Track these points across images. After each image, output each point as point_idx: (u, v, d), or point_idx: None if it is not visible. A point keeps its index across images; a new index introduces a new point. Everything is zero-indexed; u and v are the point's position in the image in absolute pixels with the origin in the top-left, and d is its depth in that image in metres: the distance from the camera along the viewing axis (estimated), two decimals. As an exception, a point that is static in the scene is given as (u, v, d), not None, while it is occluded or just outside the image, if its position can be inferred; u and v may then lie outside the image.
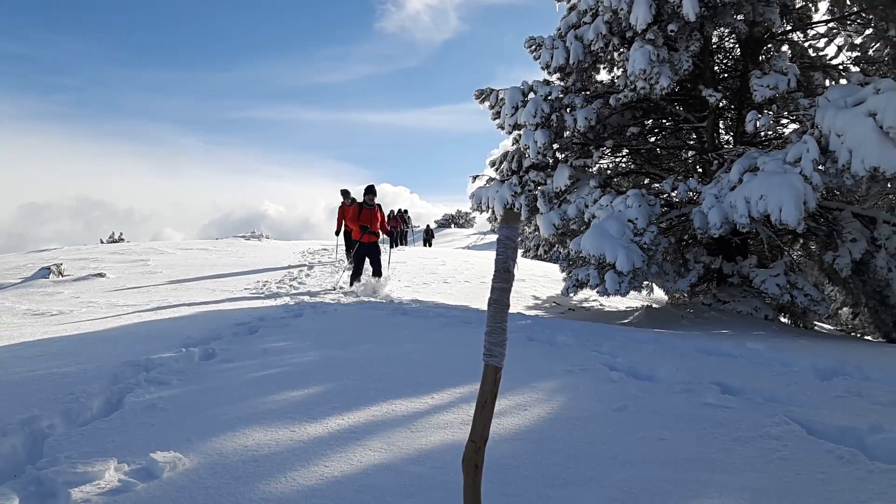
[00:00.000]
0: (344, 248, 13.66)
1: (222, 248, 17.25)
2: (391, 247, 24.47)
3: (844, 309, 14.22)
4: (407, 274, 12.84)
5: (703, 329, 8.50)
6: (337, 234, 13.56)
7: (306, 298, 8.44)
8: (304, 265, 13.63)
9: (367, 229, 10.58)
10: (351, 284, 10.41)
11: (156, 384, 3.65)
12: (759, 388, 3.51)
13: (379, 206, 11.09)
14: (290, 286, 10.05)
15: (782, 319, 10.26)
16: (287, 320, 6.24)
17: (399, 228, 26.88)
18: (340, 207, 13.40)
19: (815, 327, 11.77)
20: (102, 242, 29.58)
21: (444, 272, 13.97)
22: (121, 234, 38.13)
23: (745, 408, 3.13)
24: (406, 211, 29.57)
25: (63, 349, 4.88)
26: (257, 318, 6.24)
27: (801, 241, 11.29)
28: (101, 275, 11.08)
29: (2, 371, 4.03)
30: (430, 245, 32.25)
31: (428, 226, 34.37)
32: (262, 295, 8.84)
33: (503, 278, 1.24)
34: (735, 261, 10.24)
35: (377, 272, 10.58)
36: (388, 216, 25.70)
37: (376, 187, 11.19)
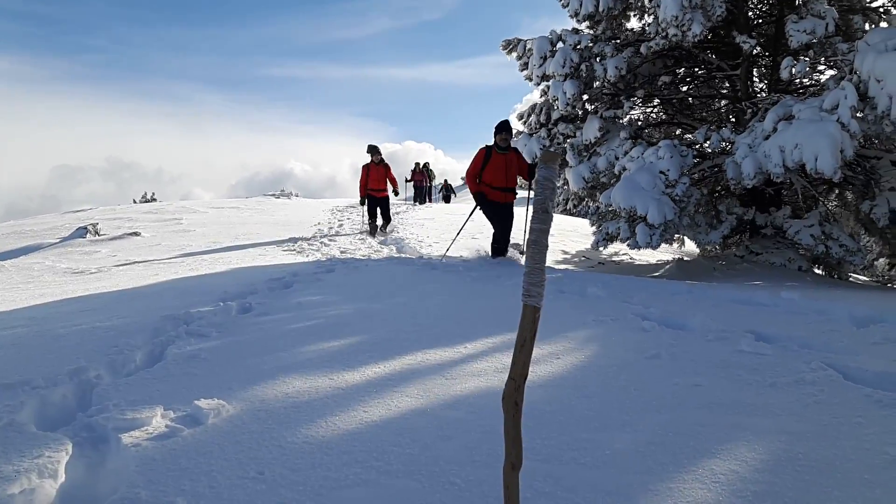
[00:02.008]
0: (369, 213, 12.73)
1: (253, 207, 17.42)
2: (419, 202, 24.13)
3: (881, 260, 13.94)
4: (435, 230, 12.86)
5: (735, 281, 8.42)
6: (362, 202, 12.45)
7: (337, 254, 8.53)
8: (334, 222, 13.73)
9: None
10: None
11: (196, 336, 3.75)
12: (794, 335, 3.49)
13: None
14: (322, 243, 10.15)
15: (816, 271, 10.10)
16: (320, 275, 6.32)
17: (424, 184, 26.03)
18: (365, 167, 12.43)
19: (850, 278, 11.57)
20: (135, 202, 30.07)
21: (472, 228, 13.95)
22: (153, 194, 38.72)
23: (781, 355, 3.12)
24: (428, 164, 27.99)
25: (104, 305, 5.02)
26: (291, 274, 6.33)
27: (837, 190, 11.03)
28: (136, 233, 11.31)
29: (48, 326, 4.17)
30: (449, 201, 30.46)
31: (446, 180, 32.16)
32: (295, 251, 8.95)
33: (541, 219, 1.24)
34: (768, 212, 10.06)
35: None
36: (413, 171, 25.52)
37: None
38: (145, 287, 5.92)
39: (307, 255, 8.39)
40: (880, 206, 8.78)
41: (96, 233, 11.42)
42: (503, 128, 7.87)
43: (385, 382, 2.87)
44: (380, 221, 12.36)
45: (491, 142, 7.91)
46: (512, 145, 8.10)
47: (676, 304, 4.58)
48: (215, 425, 2.43)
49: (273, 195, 23.77)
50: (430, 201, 26.87)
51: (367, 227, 12.46)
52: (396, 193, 13.25)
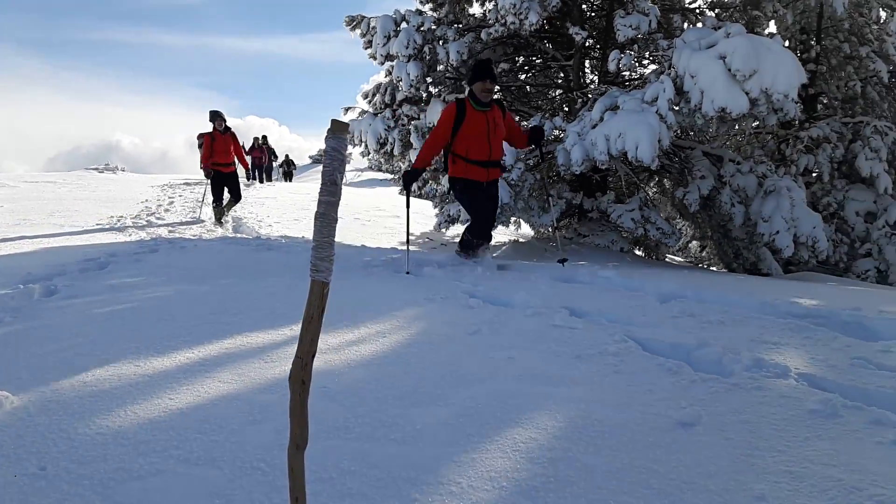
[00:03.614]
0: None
1: (73, 182, 15.89)
2: (256, 181, 22.25)
3: (694, 242, 15.43)
4: (277, 210, 12.47)
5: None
6: (208, 175, 10.71)
7: (164, 233, 8.00)
8: (164, 200, 12.87)
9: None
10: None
11: (-18, 323, 3.34)
12: (605, 310, 3.74)
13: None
14: (148, 221, 9.47)
15: (637, 252, 10.96)
16: (141, 256, 5.89)
17: (263, 161, 24.16)
18: (208, 136, 10.78)
19: (667, 259, 12.70)
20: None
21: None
22: (-49, 166, 34.19)
23: (590, 328, 3.32)
24: (266, 138, 25.26)
25: None
26: (108, 254, 5.85)
27: (656, 178, 12.01)
28: (-76, 210, 9.92)
29: None
30: (290, 179, 28.36)
31: (287, 156, 29.71)
32: (116, 230, 8.27)
33: (330, 191, 1.20)
34: (595, 197, 10.74)
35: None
36: (250, 147, 23.60)
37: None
38: (-72, 269, 5.21)
39: (130, 235, 7.78)
40: (692, 192, 9.65)
41: None
42: (484, 71, 5.52)
43: (197, 368, 2.72)
44: (226, 199, 10.86)
45: (464, 93, 5.82)
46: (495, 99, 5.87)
47: (504, 283, 4.75)
48: (-7, 420, 2.17)
49: (96, 169, 21.84)
50: (270, 180, 25.02)
51: (202, 206, 11.34)
52: (247, 176, 12.09)
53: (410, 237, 11.47)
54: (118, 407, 2.29)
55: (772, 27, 12.96)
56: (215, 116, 10.77)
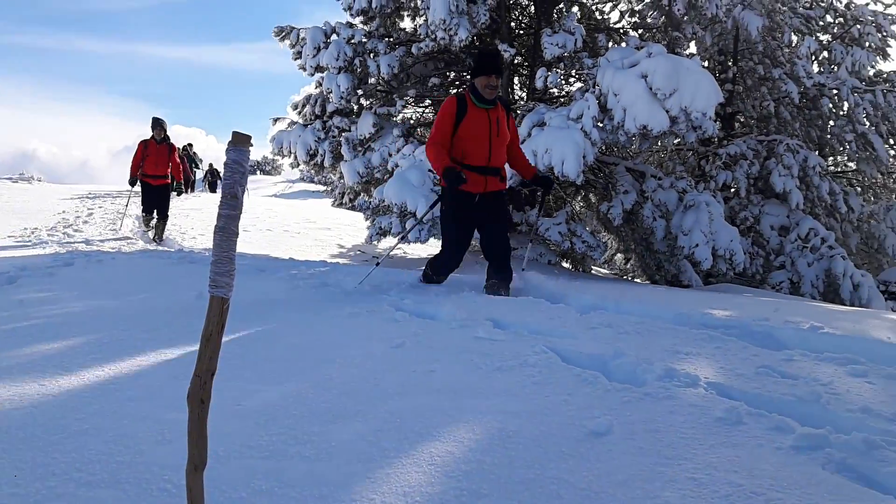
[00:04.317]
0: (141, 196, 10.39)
1: (-18, 192, 15.08)
2: (177, 193, 21.08)
3: (618, 255, 15.86)
4: (202, 222, 12.15)
5: (494, 274, 9.02)
6: (133, 183, 10.06)
7: (81, 247, 7.67)
8: (83, 211, 12.35)
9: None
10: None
11: None
12: (527, 322, 3.79)
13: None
14: (64, 234, 9.06)
15: (564, 264, 11.19)
16: (55, 269, 5.62)
17: (184, 170, 23.06)
18: (143, 143, 10.13)
19: (593, 271, 13.01)
20: None
21: (245, 220, 13.41)
22: None
23: (512, 340, 3.37)
24: (191, 146, 23.62)
25: None
26: (18, 268, 5.56)
27: (582, 192, 12.31)
28: None
29: None
30: (215, 190, 26.59)
31: (211, 165, 27.88)
32: (29, 243, 7.88)
33: (230, 205, 1.18)
34: (524, 210, 10.93)
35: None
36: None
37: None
38: None
39: (44, 247, 7.43)
40: (616, 207, 9.94)
41: None
42: (490, 65, 4.72)
43: (107, 386, 2.61)
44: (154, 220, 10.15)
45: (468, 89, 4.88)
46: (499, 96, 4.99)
47: (431, 296, 4.77)
48: None
49: (10, 179, 20.76)
50: (193, 190, 23.39)
51: (123, 217, 10.86)
52: (179, 191, 10.74)
53: (341, 250, 11.36)
54: (19, 430, 2.17)
55: (692, 48, 13.56)
56: (155, 125, 10.04)
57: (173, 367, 2.85)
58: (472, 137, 4.80)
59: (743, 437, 2.17)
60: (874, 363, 3.09)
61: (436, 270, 5.32)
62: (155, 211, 10.04)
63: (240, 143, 1.22)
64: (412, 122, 11.95)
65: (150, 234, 9.92)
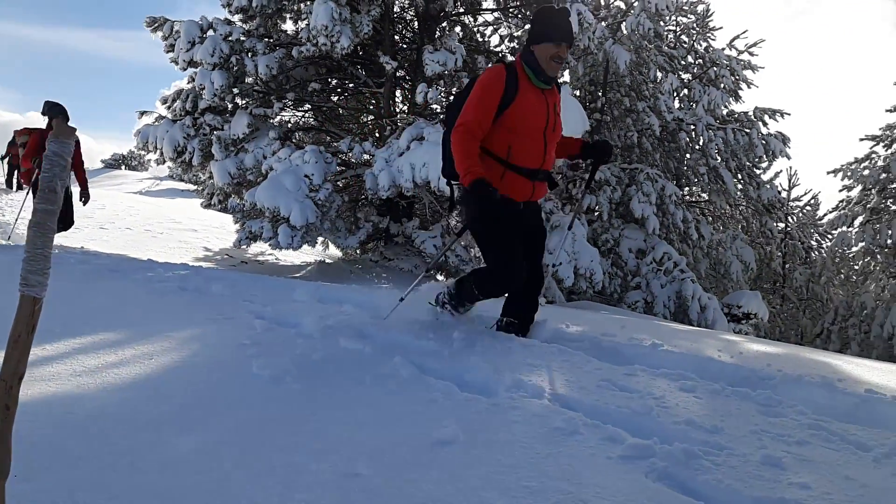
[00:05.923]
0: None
1: None
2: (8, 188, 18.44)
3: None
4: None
5: (366, 283, 9.01)
6: (9, 184, 8.50)
7: None
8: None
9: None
10: None
11: None
12: (389, 333, 3.81)
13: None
14: None
15: (439, 277, 11.35)
16: None
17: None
18: (34, 133, 8.58)
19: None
20: None
21: (103, 217, 12.57)
22: None
23: (374, 351, 3.37)
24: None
25: None
26: None
27: (458, 207, 12.55)
28: None
29: None
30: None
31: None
32: None
33: (48, 199, 1.12)
34: (401, 222, 11.02)
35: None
36: (9, 144, 19.71)
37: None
38: None
39: None
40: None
41: None
42: (560, 28, 3.43)
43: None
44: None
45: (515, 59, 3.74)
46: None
47: (296, 305, 4.68)
48: None
49: None
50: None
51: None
52: (85, 200, 8.39)
53: (207, 253, 10.91)
54: None
55: (566, 77, 14.27)
56: (57, 112, 7.67)
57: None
58: (525, 128, 3.54)
59: (577, 447, 2.29)
60: (703, 379, 3.36)
61: (488, 292, 3.87)
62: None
63: (62, 135, 1.16)
64: (290, 125, 11.72)
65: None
